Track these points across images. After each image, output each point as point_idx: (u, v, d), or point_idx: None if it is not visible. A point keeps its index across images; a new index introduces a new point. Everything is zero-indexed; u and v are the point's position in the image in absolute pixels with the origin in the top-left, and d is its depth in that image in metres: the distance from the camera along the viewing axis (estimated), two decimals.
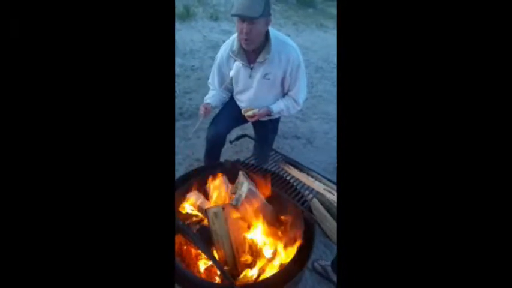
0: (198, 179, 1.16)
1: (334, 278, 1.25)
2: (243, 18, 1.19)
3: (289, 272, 0.86)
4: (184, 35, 3.77)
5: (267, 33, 1.30)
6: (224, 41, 1.47)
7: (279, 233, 1.09)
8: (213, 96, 1.52)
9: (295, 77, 1.40)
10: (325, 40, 4.40)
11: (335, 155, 2.04)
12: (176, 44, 3.48)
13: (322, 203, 1.57)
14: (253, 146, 1.83)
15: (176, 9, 4.16)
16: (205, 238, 0.97)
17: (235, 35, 1.34)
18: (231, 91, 1.58)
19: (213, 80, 1.52)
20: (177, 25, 3.92)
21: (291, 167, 1.21)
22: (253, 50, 1.31)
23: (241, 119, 1.52)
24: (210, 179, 1.15)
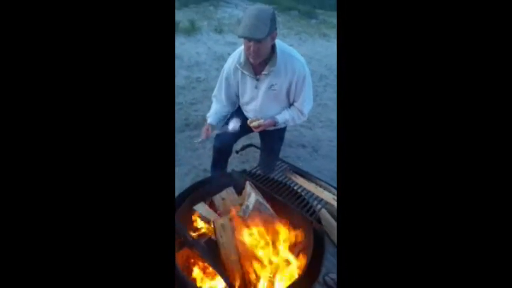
0: (204, 190, 1.15)
1: None
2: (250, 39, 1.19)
3: (299, 285, 0.84)
4: (190, 48, 3.83)
5: (273, 45, 1.31)
6: (229, 53, 1.49)
7: (288, 244, 1.07)
8: (215, 113, 1.52)
9: (301, 88, 1.40)
10: (328, 49, 4.43)
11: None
12: (182, 56, 3.55)
13: (331, 214, 1.54)
14: (260, 156, 1.82)
15: (181, 24, 4.26)
16: (212, 250, 0.96)
17: (241, 48, 1.35)
18: (235, 104, 1.58)
19: (220, 92, 1.52)
20: (182, 39, 4.01)
21: (297, 176, 1.20)
22: (259, 62, 1.32)
23: (247, 129, 1.52)
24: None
